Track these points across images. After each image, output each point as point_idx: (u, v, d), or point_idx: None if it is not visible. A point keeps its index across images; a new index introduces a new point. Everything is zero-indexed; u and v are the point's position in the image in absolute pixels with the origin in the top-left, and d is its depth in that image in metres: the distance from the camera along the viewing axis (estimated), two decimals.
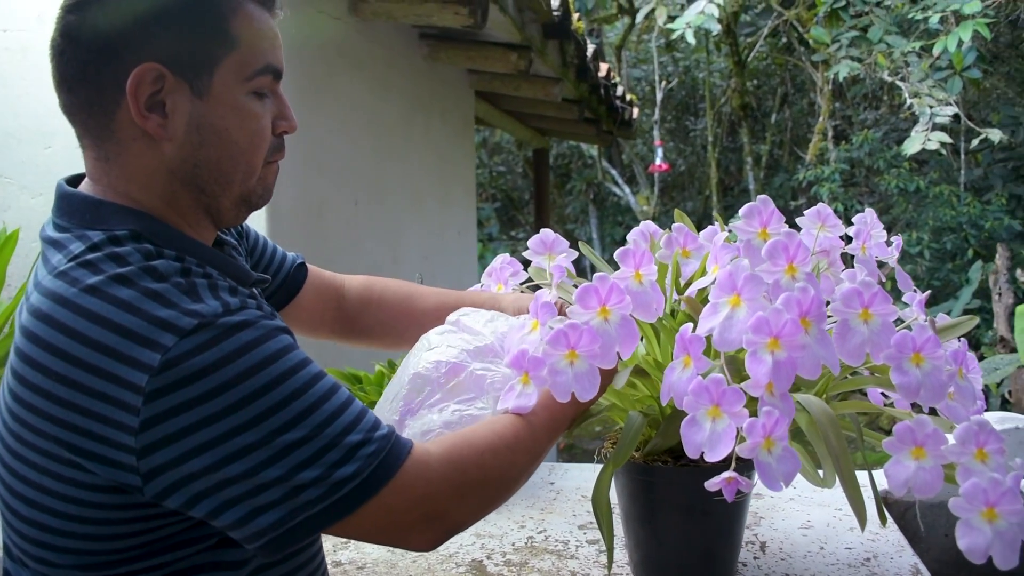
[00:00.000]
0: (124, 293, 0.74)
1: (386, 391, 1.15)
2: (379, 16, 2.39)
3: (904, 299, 1.16)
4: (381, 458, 0.78)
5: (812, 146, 7.98)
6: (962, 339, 1.13)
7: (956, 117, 5.60)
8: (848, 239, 1.27)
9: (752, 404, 0.90)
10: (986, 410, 1.24)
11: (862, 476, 1.14)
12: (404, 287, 1.34)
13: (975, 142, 5.41)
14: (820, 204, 1.29)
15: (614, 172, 10.27)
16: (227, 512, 0.75)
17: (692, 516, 1.18)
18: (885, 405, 1.18)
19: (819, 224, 1.27)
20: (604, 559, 1.35)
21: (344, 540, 1.46)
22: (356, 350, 2.35)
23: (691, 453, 0.88)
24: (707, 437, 0.87)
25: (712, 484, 0.88)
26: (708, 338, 0.94)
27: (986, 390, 5.61)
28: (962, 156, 7.99)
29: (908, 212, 7.81)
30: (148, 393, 0.71)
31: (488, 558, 1.39)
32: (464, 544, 1.45)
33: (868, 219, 1.28)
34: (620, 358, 0.98)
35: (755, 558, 1.35)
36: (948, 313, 6.62)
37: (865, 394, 1.23)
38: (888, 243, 1.29)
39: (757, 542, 1.42)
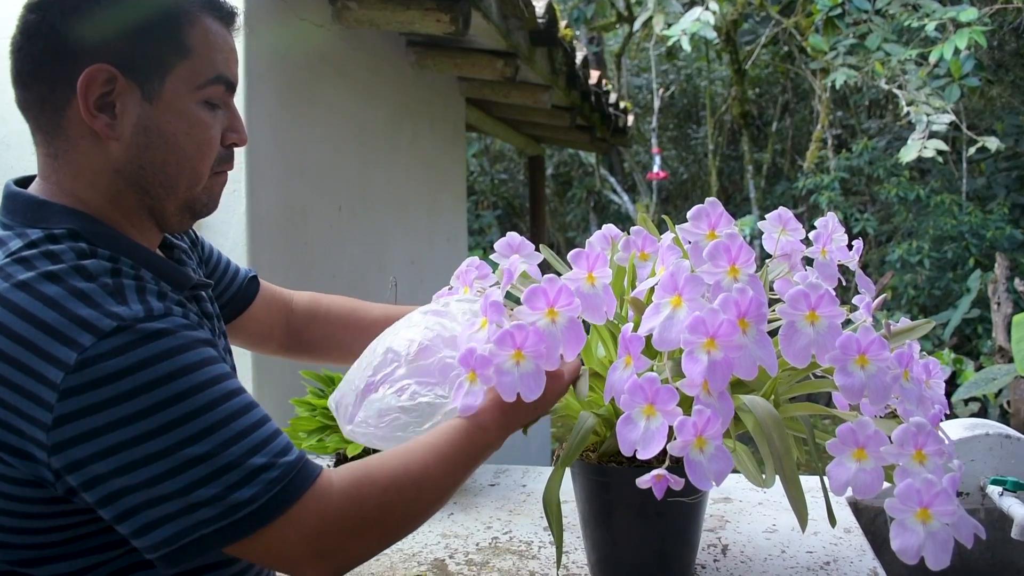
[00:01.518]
0: (51, 290, 0.75)
1: (360, 358, 1.16)
2: (363, 24, 2.41)
3: (854, 301, 1.17)
4: (282, 485, 0.78)
5: (810, 154, 7.99)
6: (912, 343, 1.14)
7: (955, 126, 5.60)
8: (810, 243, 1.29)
9: (692, 403, 0.91)
10: (981, 415, 1.25)
11: (815, 480, 1.15)
12: (349, 302, 1.36)
13: (972, 150, 5.41)
14: (781, 208, 1.30)
15: (612, 180, 10.29)
16: (127, 520, 0.75)
17: (646, 517, 1.19)
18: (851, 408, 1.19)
19: (780, 228, 1.29)
20: (564, 560, 1.36)
21: None
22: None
23: (626, 451, 0.88)
24: (641, 435, 0.88)
25: (643, 482, 0.89)
26: (650, 338, 0.95)
27: (984, 400, 5.59)
28: (964, 165, 7.98)
29: (908, 221, 7.80)
30: (62, 391, 0.72)
31: (451, 557, 1.40)
32: (428, 544, 1.46)
33: (829, 223, 1.29)
34: (564, 360, 0.99)
35: (715, 560, 1.36)
36: (946, 323, 6.61)
37: (816, 399, 1.25)
38: (849, 247, 1.30)
39: (719, 545, 1.43)
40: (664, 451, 0.90)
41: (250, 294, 1.26)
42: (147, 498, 0.74)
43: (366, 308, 1.35)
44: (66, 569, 0.80)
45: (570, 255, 1.09)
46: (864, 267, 8.29)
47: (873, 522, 1.74)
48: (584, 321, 1.11)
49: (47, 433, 0.73)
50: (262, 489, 0.77)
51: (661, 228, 1.28)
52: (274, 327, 1.32)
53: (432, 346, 1.09)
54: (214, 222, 2.01)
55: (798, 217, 1.28)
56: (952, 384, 5.83)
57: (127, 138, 0.86)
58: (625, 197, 10.06)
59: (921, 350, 1.20)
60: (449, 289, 1.46)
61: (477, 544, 1.46)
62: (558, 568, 1.15)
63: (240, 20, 0.97)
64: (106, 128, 0.84)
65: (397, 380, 1.07)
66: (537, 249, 1.35)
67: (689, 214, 1.08)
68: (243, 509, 0.76)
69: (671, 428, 0.88)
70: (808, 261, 1.25)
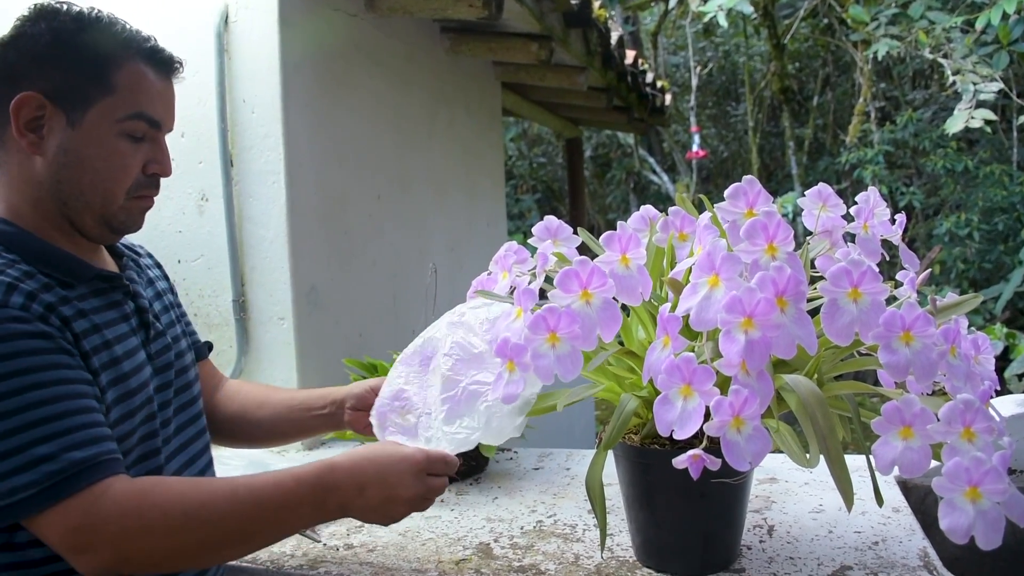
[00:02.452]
0: None
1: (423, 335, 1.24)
2: (396, 11, 2.41)
3: (898, 276, 1.15)
4: (59, 479, 0.86)
5: (852, 128, 7.83)
6: (960, 318, 1.11)
7: (1004, 94, 5.45)
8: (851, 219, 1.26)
9: (730, 383, 0.90)
10: None
11: (861, 459, 1.13)
12: (260, 393, 1.40)
13: (1023, 118, 5.26)
14: (820, 184, 1.28)
15: (651, 160, 10.19)
16: None
17: (689, 498, 1.18)
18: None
19: (820, 204, 1.27)
20: (609, 543, 1.36)
21: (359, 524, 1.49)
22: (376, 340, 2.38)
23: (663, 431, 0.88)
24: (678, 415, 0.87)
25: (679, 462, 0.89)
26: (687, 318, 0.95)
27: None
28: (1014, 134, 7.78)
29: (956, 193, 7.62)
30: None
31: (495, 541, 1.41)
32: (473, 528, 1.47)
33: (871, 198, 1.27)
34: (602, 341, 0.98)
35: (760, 541, 1.35)
36: (998, 297, 6.46)
37: (864, 377, 1.22)
38: (892, 221, 1.27)
39: (765, 526, 1.41)
40: (703, 431, 0.89)
41: (197, 354, 1.34)
42: None
43: (270, 401, 1.38)
44: None
45: (602, 238, 1.09)
46: (911, 241, 8.14)
47: (923, 501, 1.71)
48: (624, 305, 1.11)
49: None
50: (41, 477, 0.86)
51: (700, 208, 1.27)
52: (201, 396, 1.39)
53: (454, 376, 1.12)
54: (254, 213, 2.03)
55: (842, 192, 1.26)
56: (1005, 359, 5.70)
57: (49, 156, 1.01)
58: (665, 177, 9.97)
59: (971, 325, 1.17)
60: (488, 275, 1.47)
61: (522, 528, 1.46)
62: (602, 550, 1.15)
63: (182, 70, 1.15)
64: (31, 146, 1.01)
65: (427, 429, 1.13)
66: (575, 232, 1.35)
67: (727, 192, 1.07)
68: (20, 493, 0.85)
69: (708, 408, 0.88)
70: (850, 237, 1.23)
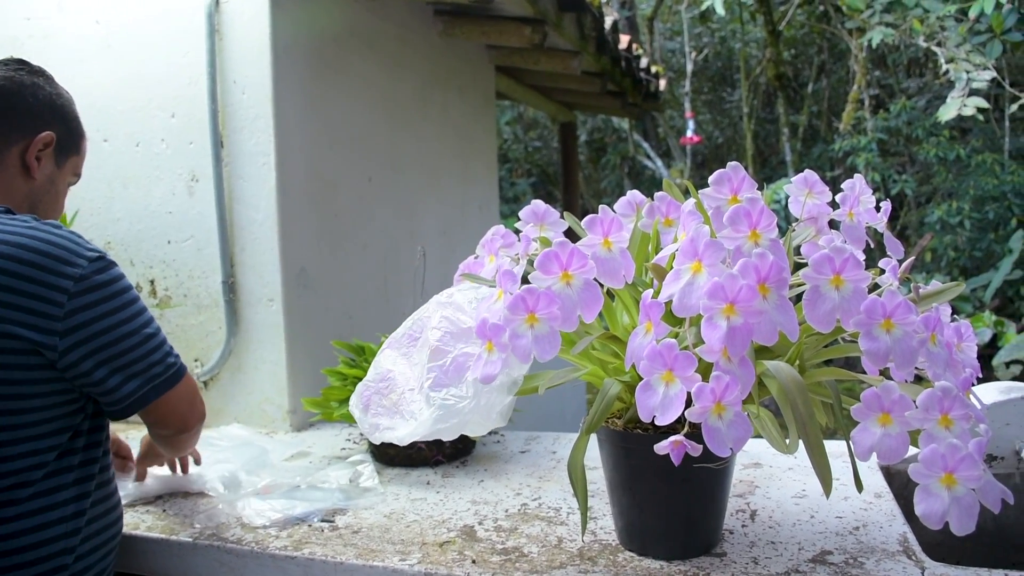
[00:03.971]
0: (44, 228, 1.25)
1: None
2: None
3: (880, 264, 1.15)
4: (180, 362, 1.32)
5: (846, 115, 7.83)
6: (942, 306, 1.12)
7: (997, 82, 5.46)
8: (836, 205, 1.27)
9: (712, 369, 0.91)
10: (1023, 378, 1.22)
11: (843, 445, 1.14)
12: None
13: (1015, 107, 5.26)
14: (807, 171, 1.29)
15: (646, 145, 10.19)
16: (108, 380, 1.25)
17: (672, 483, 1.19)
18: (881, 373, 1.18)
19: (806, 191, 1.27)
20: (592, 526, 1.37)
21: (342, 508, 1.50)
22: (366, 323, 2.38)
23: (644, 417, 0.89)
24: (659, 401, 0.88)
25: (660, 448, 0.89)
26: (670, 304, 0.95)
27: None
28: (1006, 123, 7.79)
29: (948, 181, 7.64)
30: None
31: (480, 523, 1.42)
32: (458, 510, 1.48)
33: (856, 185, 1.27)
34: (583, 321, 0.99)
35: (743, 526, 1.36)
36: (987, 285, 6.49)
37: (853, 363, 1.23)
38: (877, 208, 1.28)
39: (748, 510, 1.43)
40: (684, 417, 0.90)
41: None
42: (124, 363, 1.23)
43: None
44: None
45: (585, 221, 1.09)
46: (903, 229, 8.16)
47: (906, 487, 1.73)
48: (610, 290, 1.12)
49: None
50: (175, 360, 1.31)
51: (687, 194, 1.27)
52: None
53: (442, 346, 1.12)
54: (245, 195, 2.03)
55: (835, 180, 1.26)
56: (994, 347, 5.74)
57: (39, 182, 1.36)
58: (659, 162, 9.97)
59: (961, 313, 1.18)
60: (475, 258, 1.47)
61: (506, 511, 1.47)
62: (583, 533, 1.16)
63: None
64: (33, 169, 1.34)
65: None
66: (562, 216, 1.35)
67: (711, 179, 1.07)
68: (173, 367, 1.29)
69: (690, 394, 0.88)
70: (836, 224, 1.24)
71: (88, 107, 2.14)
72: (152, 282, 2.16)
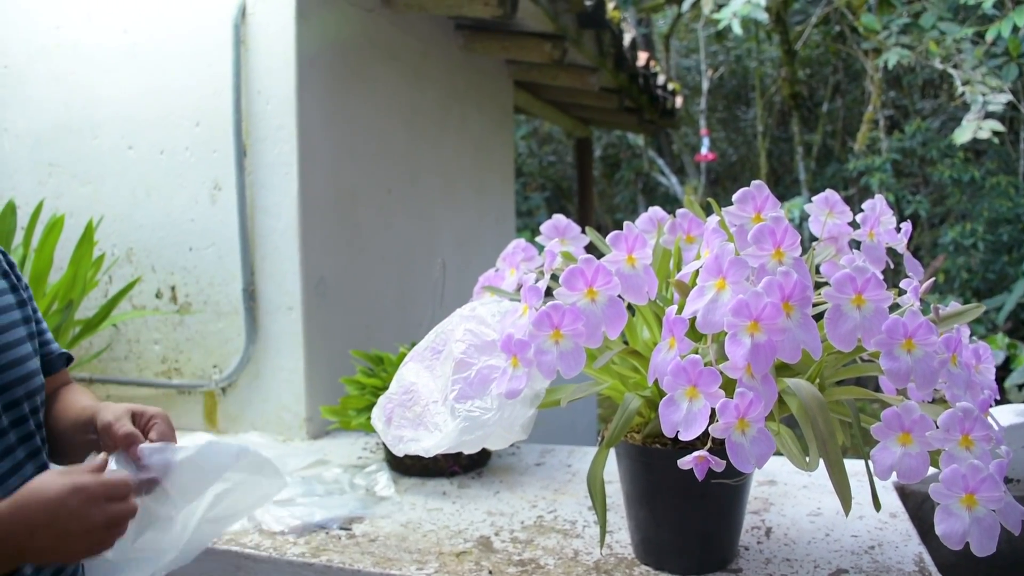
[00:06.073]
0: None
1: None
2: (412, 8, 2.43)
3: (901, 284, 1.16)
4: None
5: (860, 135, 7.83)
6: (961, 327, 1.13)
7: (1012, 106, 5.46)
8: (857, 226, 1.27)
9: (735, 386, 0.92)
10: None
11: (860, 464, 1.15)
12: (61, 400, 1.22)
13: None
14: (828, 191, 1.30)
15: (661, 162, 10.21)
16: None
17: (689, 498, 1.20)
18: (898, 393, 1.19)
19: (827, 210, 1.28)
20: (609, 540, 1.38)
21: (359, 516, 1.51)
22: (384, 333, 2.40)
23: (668, 432, 0.90)
24: (683, 416, 0.89)
25: (684, 463, 0.90)
26: (693, 320, 0.96)
27: None
28: (1022, 146, 7.77)
29: (962, 203, 7.62)
30: None
31: (496, 535, 1.43)
32: (474, 521, 1.49)
33: (877, 205, 1.28)
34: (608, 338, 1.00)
35: (758, 542, 1.36)
36: (1000, 307, 6.46)
37: (866, 383, 1.24)
38: (897, 229, 1.29)
39: (763, 527, 1.43)
40: (706, 433, 0.91)
41: (51, 366, 1.20)
42: None
43: (63, 410, 1.20)
44: None
45: (609, 237, 1.11)
46: (916, 250, 8.12)
47: (920, 507, 1.73)
48: (630, 305, 1.13)
49: None
50: None
51: (708, 211, 1.28)
52: None
53: (466, 358, 1.13)
54: (266, 204, 2.05)
55: (848, 199, 1.27)
56: (1006, 369, 5.71)
57: None
58: (673, 179, 9.98)
59: (974, 334, 1.19)
60: (496, 271, 1.49)
61: (522, 522, 1.48)
62: (601, 547, 1.17)
63: None
64: None
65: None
66: (583, 231, 1.37)
67: (735, 197, 1.09)
68: None
69: (713, 410, 0.89)
70: (856, 244, 1.25)
71: (113, 115, 2.18)
72: (173, 288, 2.18)
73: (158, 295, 2.20)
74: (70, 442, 1.14)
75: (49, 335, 1.21)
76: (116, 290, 2.18)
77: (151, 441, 1.02)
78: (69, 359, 1.24)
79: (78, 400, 1.19)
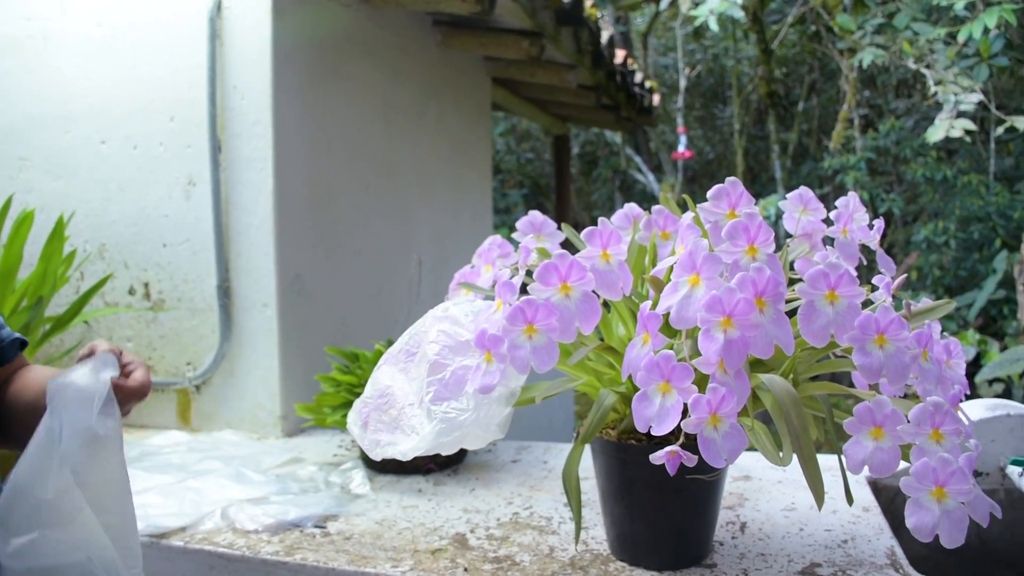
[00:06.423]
0: None
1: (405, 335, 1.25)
2: (389, 4, 2.42)
3: (873, 281, 1.17)
4: None
5: (836, 134, 7.91)
6: (932, 323, 1.14)
7: (983, 105, 5.52)
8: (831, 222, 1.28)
9: (708, 381, 0.93)
10: (1006, 396, 1.25)
11: (834, 459, 1.16)
12: (22, 378, 1.14)
13: (1000, 130, 5.33)
14: (802, 188, 1.30)
15: (638, 159, 10.25)
16: None
17: (664, 494, 1.20)
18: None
19: (801, 207, 1.29)
20: (584, 536, 1.38)
21: (334, 514, 1.50)
22: (360, 330, 2.39)
23: (641, 427, 0.90)
24: (656, 412, 0.89)
25: (656, 458, 0.91)
26: (667, 316, 0.97)
27: (1008, 381, 5.55)
28: (992, 145, 7.87)
29: (935, 201, 7.71)
30: None
31: (471, 532, 1.42)
32: (450, 518, 1.48)
33: (850, 203, 1.29)
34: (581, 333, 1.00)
35: (733, 537, 1.37)
36: (971, 304, 6.55)
37: (841, 379, 1.25)
38: (870, 226, 1.30)
39: (738, 522, 1.44)
40: (680, 428, 0.91)
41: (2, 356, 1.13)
42: None
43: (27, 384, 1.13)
44: None
45: (584, 233, 1.11)
46: (889, 247, 8.21)
47: (892, 501, 1.75)
48: (606, 301, 1.13)
49: None
50: None
51: (684, 208, 1.29)
52: None
53: (440, 359, 1.13)
54: (241, 200, 2.04)
55: (824, 197, 1.28)
56: (976, 365, 5.79)
57: None
58: (650, 176, 10.02)
59: (945, 331, 1.20)
60: (471, 268, 1.48)
61: (498, 519, 1.48)
62: (576, 543, 1.17)
63: None
64: None
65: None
66: (559, 228, 1.37)
67: (709, 193, 1.09)
68: None
69: (686, 405, 0.90)
70: (829, 241, 1.26)
71: (86, 109, 2.16)
72: (147, 285, 2.16)
73: (131, 292, 2.18)
74: (35, 420, 1.01)
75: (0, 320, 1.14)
76: (88, 287, 2.15)
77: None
78: (24, 344, 1.15)
79: (41, 373, 1.12)
